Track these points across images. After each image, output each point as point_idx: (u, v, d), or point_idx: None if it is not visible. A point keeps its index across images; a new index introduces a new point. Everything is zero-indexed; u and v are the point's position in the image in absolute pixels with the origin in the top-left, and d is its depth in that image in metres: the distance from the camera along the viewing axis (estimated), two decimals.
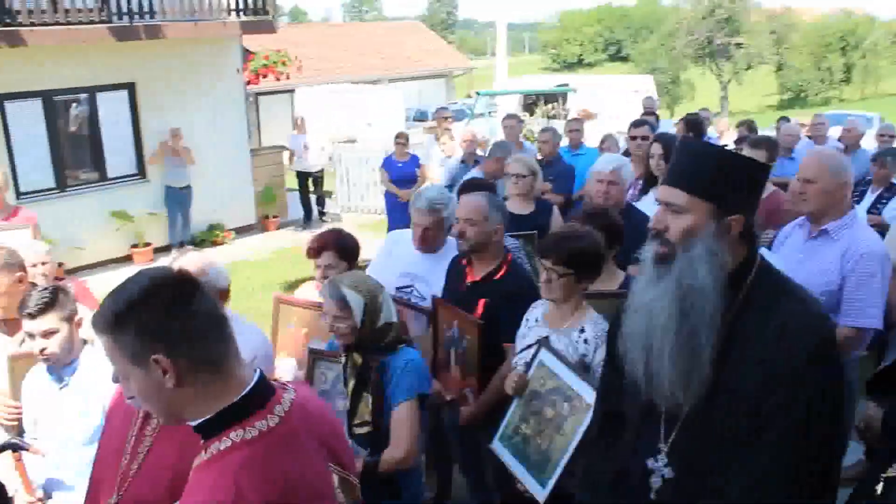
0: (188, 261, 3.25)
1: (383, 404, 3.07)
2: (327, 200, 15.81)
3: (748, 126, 10.39)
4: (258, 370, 1.76)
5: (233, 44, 12.68)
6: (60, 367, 3.16)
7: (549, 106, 17.87)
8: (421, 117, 25.09)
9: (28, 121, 10.62)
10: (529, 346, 3.31)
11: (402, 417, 3.02)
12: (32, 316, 3.07)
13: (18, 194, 10.27)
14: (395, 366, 3.07)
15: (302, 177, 13.59)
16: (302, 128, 13.49)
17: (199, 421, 1.67)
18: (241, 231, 13.06)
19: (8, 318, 3.65)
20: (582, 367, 3.08)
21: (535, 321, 3.41)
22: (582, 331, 3.19)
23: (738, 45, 45.06)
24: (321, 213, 14.03)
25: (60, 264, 10.22)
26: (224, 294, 3.32)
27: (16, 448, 3.03)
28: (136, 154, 11.80)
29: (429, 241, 4.14)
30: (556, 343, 3.19)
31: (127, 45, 11.00)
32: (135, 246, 11.55)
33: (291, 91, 24.67)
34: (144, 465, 2.28)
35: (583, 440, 2.80)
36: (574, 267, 3.17)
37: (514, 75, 27.43)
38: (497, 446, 3.28)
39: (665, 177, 2.09)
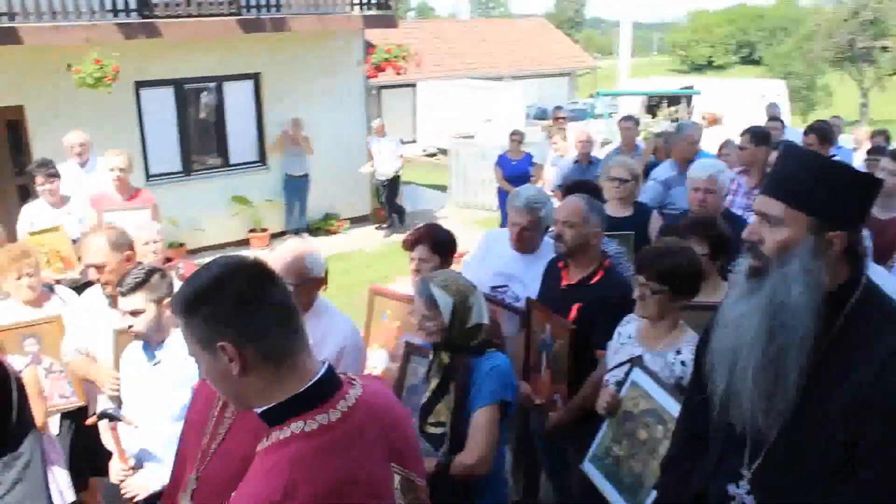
0: (286, 247, 3.31)
1: (464, 407, 3.02)
2: (442, 194, 15.90)
3: (885, 136, 9.81)
4: (326, 363, 1.76)
5: (355, 37, 12.90)
6: (154, 344, 3.29)
7: (672, 108, 17.42)
8: (541, 115, 24.87)
9: (160, 107, 11.19)
10: (622, 364, 3.19)
11: (481, 423, 2.95)
12: (123, 294, 3.21)
13: (148, 177, 10.83)
14: (480, 369, 3.00)
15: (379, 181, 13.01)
16: (381, 132, 12.70)
17: (264, 408, 1.69)
18: (356, 221, 13.29)
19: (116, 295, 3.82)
20: (677, 390, 2.93)
21: (627, 337, 3.29)
22: (678, 353, 3.05)
23: (884, 49, 42.40)
24: (400, 220, 13.24)
25: (182, 244, 10.75)
26: (319, 283, 3.36)
27: (111, 418, 3.18)
28: (258, 142, 12.22)
29: (525, 241, 4.07)
30: (650, 364, 3.06)
31: (254, 38, 11.39)
32: (252, 231, 11.95)
33: (413, 85, 24.95)
34: (222, 446, 2.32)
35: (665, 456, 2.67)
36: (669, 284, 3.04)
37: (638, 76, 26.89)
38: (588, 467, 3.17)
39: (764, 186, 1.96)
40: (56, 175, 6.09)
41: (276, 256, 3.20)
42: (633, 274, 3.66)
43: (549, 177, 9.43)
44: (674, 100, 18.93)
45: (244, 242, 11.76)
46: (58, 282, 4.86)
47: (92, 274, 3.92)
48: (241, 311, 1.63)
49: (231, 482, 2.21)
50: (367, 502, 1.67)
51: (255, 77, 11.98)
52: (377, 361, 3.92)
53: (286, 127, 11.89)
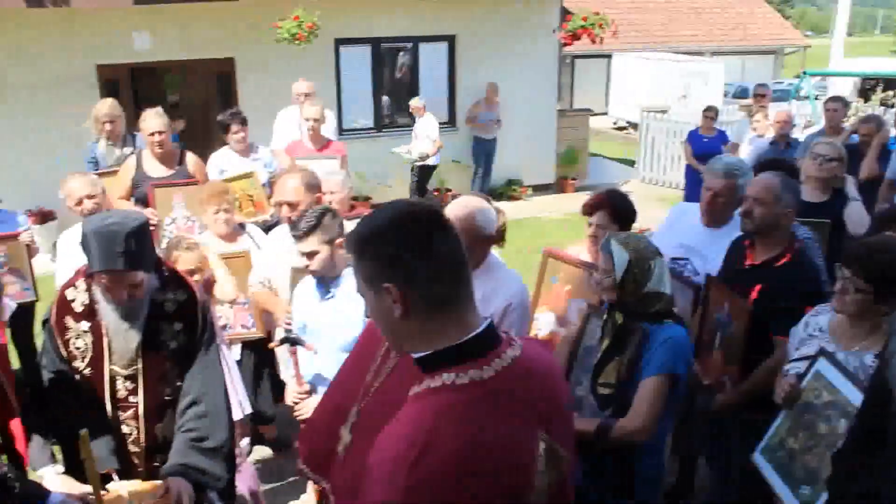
0: (460, 201, 3.35)
1: (635, 373, 2.95)
2: (629, 168, 15.48)
3: None
4: (489, 319, 1.73)
5: (552, 3, 12.74)
6: (328, 280, 3.46)
7: (890, 92, 16.02)
8: (741, 94, 23.59)
9: (357, 65, 11.60)
10: (807, 358, 2.98)
11: (648, 390, 2.89)
12: (299, 238, 3.39)
13: (341, 131, 11.24)
14: (656, 338, 2.93)
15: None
16: (420, 112, 11.35)
17: (420, 354, 1.70)
18: (539, 189, 13.25)
19: None
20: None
21: (817, 329, 3.07)
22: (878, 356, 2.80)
23: None
24: None
25: (368, 198, 11.12)
26: (491, 240, 3.37)
27: (293, 342, 3.37)
28: (448, 103, 12.40)
29: (716, 209, 3.93)
30: (843, 363, 2.83)
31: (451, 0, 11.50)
32: (437, 191, 12.16)
33: (609, 56, 24.40)
34: (383, 385, 2.36)
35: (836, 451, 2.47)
36: (877, 284, 2.77)
37: (854, 56, 24.94)
38: (759, 459, 3.00)
39: None
40: (246, 124, 6.36)
41: (450, 212, 3.24)
42: (825, 262, 3.41)
43: (744, 156, 8.99)
44: (892, 83, 17.39)
45: None
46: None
47: (285, 211, 4.15)
48: (408, 255, 1.63)
49: (388, 420, 2.28)
50: (503, 464, 1.63)
51: (451, 39, 12.12)
52: (543, 324, 3.89)
53: (477, 91, 11.94)
